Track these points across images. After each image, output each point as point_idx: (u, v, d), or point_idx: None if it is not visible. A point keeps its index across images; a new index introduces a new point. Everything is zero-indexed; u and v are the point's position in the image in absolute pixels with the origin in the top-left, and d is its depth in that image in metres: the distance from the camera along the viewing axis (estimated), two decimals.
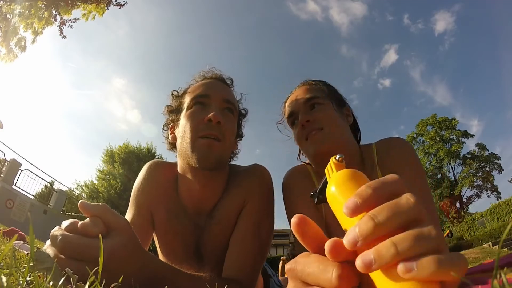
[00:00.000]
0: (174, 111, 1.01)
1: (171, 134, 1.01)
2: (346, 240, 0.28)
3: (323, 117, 0.96)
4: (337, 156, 0.40)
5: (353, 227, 0.28)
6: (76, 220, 0.53)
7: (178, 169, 0.96)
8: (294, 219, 0.33)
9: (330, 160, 0.40)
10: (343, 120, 1.01)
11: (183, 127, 0.91)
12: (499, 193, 24.81)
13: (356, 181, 0.35)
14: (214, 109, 0.89)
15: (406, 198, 0.29)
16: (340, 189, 0.35)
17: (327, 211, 0.95)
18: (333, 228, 0.91)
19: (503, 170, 25.28)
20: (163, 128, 1.06)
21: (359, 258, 0.27)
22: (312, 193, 0.47)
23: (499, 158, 25.47)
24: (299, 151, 1.13)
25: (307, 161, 1.08)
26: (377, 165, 0.93)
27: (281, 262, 6.59)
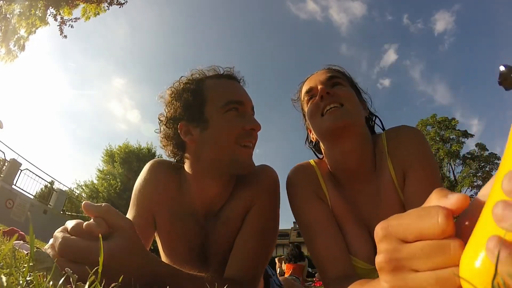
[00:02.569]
0: (191, 107, 0.90)
1: (184, 135, 0.91)
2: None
3: (344, 94, 0.91)
4: None
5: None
6: (81, 221, 0.53)
7: (189, 171, 0.93)
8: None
9: None
10: (361, 106, 0.98)
11: (218, 132, 0.88)
12: None
13: None
14: (250, 117, 0.92)
15: None
16: None
17: (333, 204, 0.92)
18: (341, 219, 0.90)
19: None
20: (165, 124, 0.94)
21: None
22: (504, 71, 0.39)
23: (499, 158, 25.42)
24: (307, 136, 1.08)
25: (314, 149, 1.05)
26: (388, 154, 0.90)
27: (277, 262, 6.24)
